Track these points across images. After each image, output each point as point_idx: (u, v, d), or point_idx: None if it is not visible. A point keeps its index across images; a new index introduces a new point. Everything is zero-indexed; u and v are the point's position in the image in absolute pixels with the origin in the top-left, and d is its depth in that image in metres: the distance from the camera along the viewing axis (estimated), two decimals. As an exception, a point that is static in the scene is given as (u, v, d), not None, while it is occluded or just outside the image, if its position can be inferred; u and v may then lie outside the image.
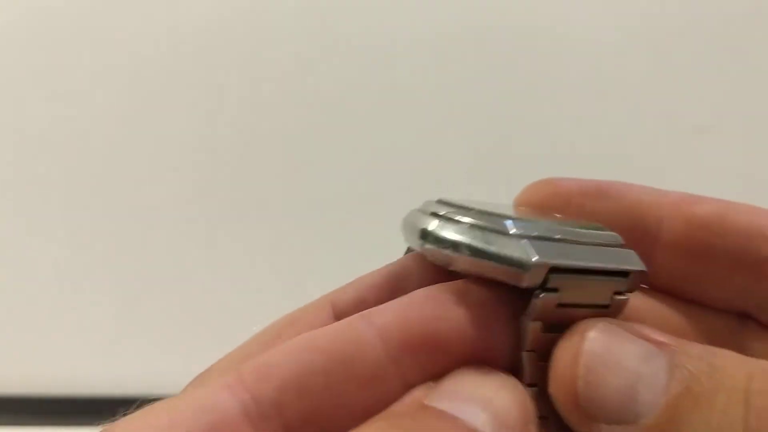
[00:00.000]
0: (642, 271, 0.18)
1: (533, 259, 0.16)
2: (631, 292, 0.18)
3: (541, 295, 0.16)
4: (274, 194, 0.57)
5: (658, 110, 0.55)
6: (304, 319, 0.20)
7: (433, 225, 0.18)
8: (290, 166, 0.57)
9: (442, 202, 0.19)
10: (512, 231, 0.17)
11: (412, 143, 0.56)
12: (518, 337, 0.17)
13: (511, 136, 0.56)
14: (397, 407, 0.16)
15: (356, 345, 0.16)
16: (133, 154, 0.57)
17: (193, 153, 0.57)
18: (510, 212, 0.18)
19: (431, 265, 0.19)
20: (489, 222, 0.17)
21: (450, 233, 0.17)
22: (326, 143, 0.56)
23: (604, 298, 0.17)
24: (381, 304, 0.17)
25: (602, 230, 0.19)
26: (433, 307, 0.16)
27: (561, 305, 0.17)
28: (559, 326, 0.17)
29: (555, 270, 0.16)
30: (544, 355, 0.17)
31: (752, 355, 0.16)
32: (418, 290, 0.17)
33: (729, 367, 0.15)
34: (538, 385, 0.17)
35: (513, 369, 0.17)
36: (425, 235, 0.18)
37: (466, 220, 0.17)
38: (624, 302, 0.18)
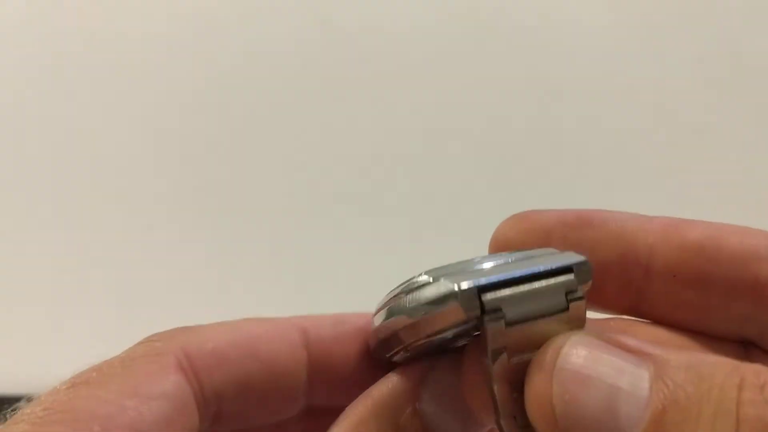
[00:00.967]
0: (583, 261, 0.17)
1: (455, 288, 0.15)
2: (584, 284, 0.17)
3: (486, 320, 0.16)
4: (274, 195, 0.57)
5: (658, 110, 0.55)
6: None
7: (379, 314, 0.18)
8: (290, 168, 0.57)
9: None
10: (423, 278, 0.17)
11: (413, 145, 0.56)
12: (486, 375, 0.16)
13: (511, 136, 0.56)
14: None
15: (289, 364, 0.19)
16: (134, 154, 0.57)
17: (194, 154, 0.57)
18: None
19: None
20: (408, 284, 0.17)
21: (385, 306, 0.18)
22: (326, 144, 0.56)
23: (557, 301, 0.16)
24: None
25: (542, 249, 0.18)
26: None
27: (511, 323, 0.16)
28: (529, 348, 0.16)
29: (486, 290, 0.16)
30: (519, 384, 0.16)
31: None
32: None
33: (718, 375, 0.14)
34: (517, 417, 0.16)
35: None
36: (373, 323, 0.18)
37: (396, 290, 0.18)
38: (581, 299, 0.17)
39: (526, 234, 0.20)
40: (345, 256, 0.57)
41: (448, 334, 0.17)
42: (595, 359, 0.15)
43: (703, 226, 0.19)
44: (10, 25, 0.57)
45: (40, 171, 0.57)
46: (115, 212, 0.57)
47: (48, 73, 0.57)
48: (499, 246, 0.20)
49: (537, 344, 0.16)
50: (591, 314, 0.18)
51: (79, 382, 0.18)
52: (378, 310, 0.19)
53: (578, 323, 0.16)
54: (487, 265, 0.17)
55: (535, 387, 0.15)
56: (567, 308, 0.16)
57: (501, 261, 0.17)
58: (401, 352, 0.18)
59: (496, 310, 0.16)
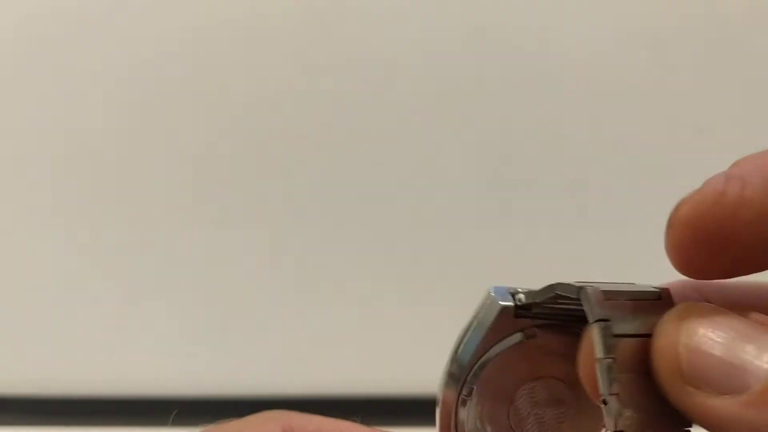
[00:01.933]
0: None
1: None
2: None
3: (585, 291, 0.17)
4: (275, 196, 0.57)
5: (658, 110, 0.55)
6: None
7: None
8: (290, 169, 0.57)
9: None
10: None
11: (414, 147, 0.56)
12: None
13: (511, 137, 0.56)
14: None
15: None
16: (136, 154, 0.57)
17: (195, 154, 0.57)
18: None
19: None
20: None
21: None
22: (328, 146, 0.56)
23: (650, 292, 0.17)
24: None
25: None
26: None
27: (610, 297, 0.17)
28: (632, 326, 0.17)
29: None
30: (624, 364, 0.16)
31: None
32: None
33: None
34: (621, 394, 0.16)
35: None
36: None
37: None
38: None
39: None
40: (345, 257, 0.57)
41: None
42: (725, 320, 0.15)
43: None
44: (10, 24, 0.57)
45: (40, 171, 0.57)
46: (115, 212, 0.57)
47: (52, 77, 0.57)
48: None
49: (639, 321, 0.16)
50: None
51: None
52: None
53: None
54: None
55: (663, 335, 0.15)
56: (660, 297, 0.17)
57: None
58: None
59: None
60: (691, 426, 0.16)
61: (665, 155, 0.55)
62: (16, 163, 0.57)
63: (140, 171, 0.57)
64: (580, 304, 0.17)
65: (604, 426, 0.16)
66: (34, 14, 0.57)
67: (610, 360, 0.16)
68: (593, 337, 0.16)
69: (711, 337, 0.15)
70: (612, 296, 0.17)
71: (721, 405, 0.14)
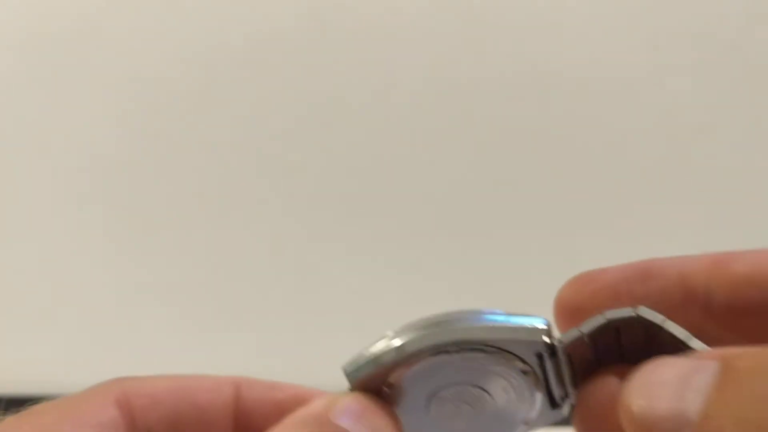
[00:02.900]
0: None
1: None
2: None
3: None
4: (276, 195, 0.57)
5: (658, 110, 0.55)
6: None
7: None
8: (290, 170, 0.57)
9: None
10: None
11: (415, 148, 0.56)
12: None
13: (511, 137, 0.56)
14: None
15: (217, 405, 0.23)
16: (136, 154, 0.57)
17: (198, 156, 0.57)
18: None
19: None
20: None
21: None
22: (328, 146, 0.57)
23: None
24: None
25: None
26: None
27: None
28: None
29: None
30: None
31: None
32: None
33: None
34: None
35: None
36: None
37: None
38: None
39: (595, 294, 0.21)
40: (345, 256, 0.57)
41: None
42: (668, 363, 0.17)
43: (745, 256, 0.20)
44: (9, 25, 0.57)
45: (40, 171, 0.58)
46: (115, 212, 0.57)
47: (46, 72, 0.57)
48: (566, 309, 0.22)
49: None
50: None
51: (28, 413, 0.21)
52: None
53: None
54: None
55: (624, 395, 0.17)
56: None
57: None
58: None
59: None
60: None
61: (665, 155, 0.55)
62: (15, 163, 0.57)
63: (141, 170, 0.57)
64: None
65: None
66: (32, 14, 0.57)
67: None
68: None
69: (656, 385, 0.16)
70: None
71: None
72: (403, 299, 0.56)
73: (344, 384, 0.20)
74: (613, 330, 0.19)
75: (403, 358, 0.19)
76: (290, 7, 0.55)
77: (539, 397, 0.20)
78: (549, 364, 0.20)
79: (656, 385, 0.16)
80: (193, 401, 0.23)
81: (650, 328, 0.19)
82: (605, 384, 0.20)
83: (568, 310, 0.21)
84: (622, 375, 0.18)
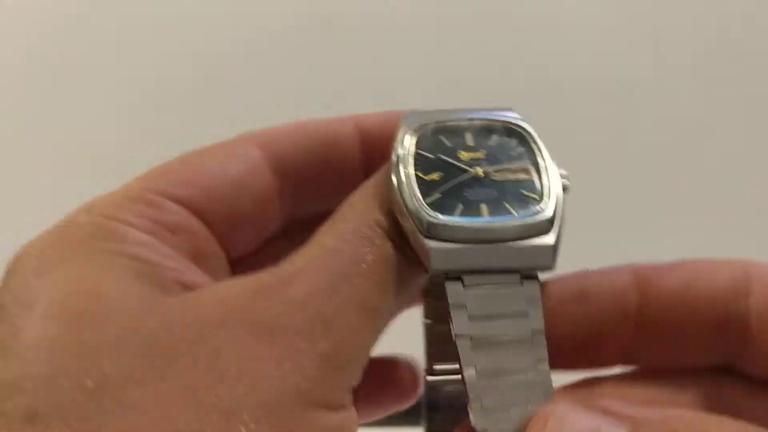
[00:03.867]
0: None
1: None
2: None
3: None
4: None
5: (658, 110, 0.55)
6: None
7: None
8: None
9: None
10: None
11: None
12: None
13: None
14: None
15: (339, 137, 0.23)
16: (136, 154, 0.57)
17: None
18: None
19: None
20: None
21: None
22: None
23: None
24: None
25: None
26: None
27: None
28: None
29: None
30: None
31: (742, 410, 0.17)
32: None
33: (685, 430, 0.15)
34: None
35: None
36: None
37: None
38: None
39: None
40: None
41: None
42: (576, 421, 0.16)
43: (673, 273, 0.21)
44: (8, 25, 0.57)
45: (40, 171, 0.58)
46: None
47: (46, 72, 0.57)
48: None
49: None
50: (587, 374, 0.21)
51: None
52: None
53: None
54: None
55: None
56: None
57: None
58: None
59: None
60: None
61: (666, 155, 0.55)
62: (16, 163, 0.57)
63: (141, 170, 0.57)
64: None
65: None
66: (31, 14, 0.57)
67: None
68: None
69: None
70: None
71: None
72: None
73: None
74: None
75: None
76: (291, 7, 0.55)
77: None
78: None
79: None
80: (324, 137, 0.23)
81: None
82: None
83: None
84: None
